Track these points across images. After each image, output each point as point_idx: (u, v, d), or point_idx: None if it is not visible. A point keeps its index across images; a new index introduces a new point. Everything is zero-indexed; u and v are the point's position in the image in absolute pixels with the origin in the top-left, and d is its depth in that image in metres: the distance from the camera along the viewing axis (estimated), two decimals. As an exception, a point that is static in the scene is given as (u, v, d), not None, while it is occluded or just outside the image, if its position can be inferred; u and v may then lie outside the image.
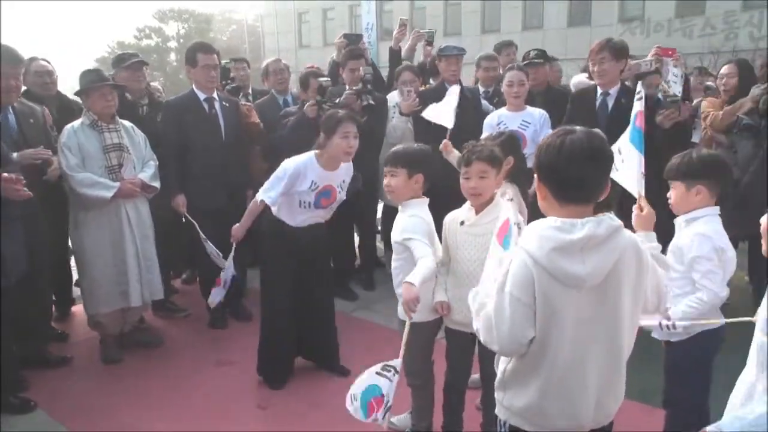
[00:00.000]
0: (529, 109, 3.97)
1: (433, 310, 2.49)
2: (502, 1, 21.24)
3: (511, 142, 2.57)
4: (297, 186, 3.00)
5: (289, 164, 3.01)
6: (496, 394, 1.70)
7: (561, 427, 1.58)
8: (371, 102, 4.18)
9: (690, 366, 2.22)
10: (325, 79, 4.27)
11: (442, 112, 3.55)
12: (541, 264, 1.47)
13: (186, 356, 3.70)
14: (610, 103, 3.77)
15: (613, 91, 3.76)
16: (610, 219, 1.50)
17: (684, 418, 2.23)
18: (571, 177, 1.48)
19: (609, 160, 1.53)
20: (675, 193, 2.24)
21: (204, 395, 3.21)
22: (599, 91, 3.82)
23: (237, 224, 3.18)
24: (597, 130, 1.56)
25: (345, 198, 3.26)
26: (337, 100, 4.15)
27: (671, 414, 2.33)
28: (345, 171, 3.18)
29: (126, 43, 33.48)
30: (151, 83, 4.84)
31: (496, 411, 1.71)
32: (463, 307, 2.37)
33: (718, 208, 2.21)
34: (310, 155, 3.04)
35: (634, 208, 1.94)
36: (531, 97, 4.13)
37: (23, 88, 3.72)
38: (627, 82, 3.89)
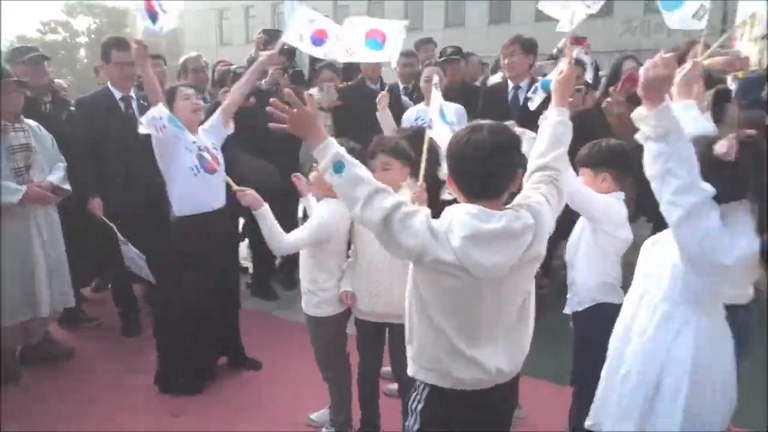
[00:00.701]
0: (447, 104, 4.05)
1: (338, 301, 2.50)
2: (425, 1, 21.60)
3: (417, 136, 2.62)
4: (175, 150, 2.96)
5: None
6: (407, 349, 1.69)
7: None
8: (296, 69, 4.53)
9: (594, 342, 2.33)
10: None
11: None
12: (453, 245, 1.47)
13: (95, 368, 3.49)
14: (522, 96, 3.91)
15: (524, 84, 3.90)
16: (527, 216, 1.52)
17: (590, 393, 2.33)
18: (475, 173, 1.52)
19: (512, 155, 1.55)
20: (583, 179, 2.37)
21: (116, 408, 3.03)
22: (510, 85, 3.96)
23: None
24: (511, 122, 1.58)
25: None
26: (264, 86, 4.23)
27: (578, 390, 2.45)
28: (208, 135, 3.16)
29: (28, 38, 30.74)
30: (56, 80, 4.54)
31: (408, 369, 1.68)
32: (367, 297, 2.42)
33: (622, 193, 2.35)
34: None
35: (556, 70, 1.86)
36: (447, 92, 4.21)
37: None
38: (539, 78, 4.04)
